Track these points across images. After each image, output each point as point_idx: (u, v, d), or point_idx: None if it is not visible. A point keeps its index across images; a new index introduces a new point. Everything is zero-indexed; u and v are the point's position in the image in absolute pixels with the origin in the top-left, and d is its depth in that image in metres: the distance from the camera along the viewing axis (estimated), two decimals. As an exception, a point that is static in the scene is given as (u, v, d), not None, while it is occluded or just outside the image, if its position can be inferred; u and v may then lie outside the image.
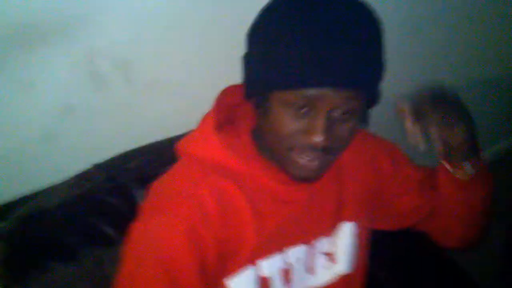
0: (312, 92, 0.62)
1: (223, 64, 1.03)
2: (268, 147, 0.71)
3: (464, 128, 0.77)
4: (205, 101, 0.77)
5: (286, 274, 0.77)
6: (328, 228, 0.81)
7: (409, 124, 0.73)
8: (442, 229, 0.91)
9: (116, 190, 0.89)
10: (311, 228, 0.78)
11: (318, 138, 0.64)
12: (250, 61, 0.69)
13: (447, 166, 0.82)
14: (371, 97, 0.70)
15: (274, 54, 0.63)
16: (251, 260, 0.72)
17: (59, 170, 0.93)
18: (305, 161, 0.68)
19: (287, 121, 0.65)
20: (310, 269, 0.80)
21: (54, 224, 0.83)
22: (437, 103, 0.75)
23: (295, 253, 0.77)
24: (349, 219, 0.82)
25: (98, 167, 0.92)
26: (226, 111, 0.76)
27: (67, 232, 0.83)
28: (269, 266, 0.74)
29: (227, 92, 0.77)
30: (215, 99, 0.75)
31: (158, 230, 0.68)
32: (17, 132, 0.97)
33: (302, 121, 0.64)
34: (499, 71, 1.96)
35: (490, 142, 2.14)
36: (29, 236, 0.81)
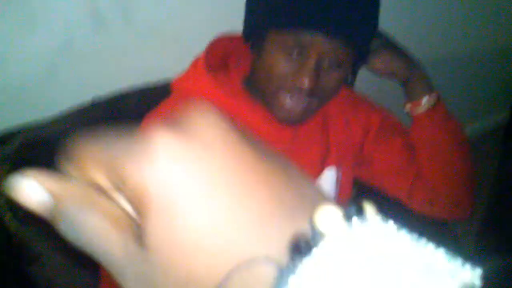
0: (305, 36, 0.67)
1: (223, 10, 1.06)
2: (259, 87, 0.75)
3: (398, 62, 0.85)
4: (202, 47, 0.80)
5: None
6: (311, 174, 0.85)
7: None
8: (428, 189, 0.92)
9: (116, 124, 0.93)
10: None
11: (305, 80, 0.69)
12: (251, 3, 0.74)
13: (408, 106, 0.89)
14: (360, 55, 0.75)
15: None
16: None
17: (59, 104, 0.96)
18: (290, 103, 0.73)
19: (279, 61, 0.70)
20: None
21: (55, 151, 0.87)
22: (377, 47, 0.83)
23: None
24: (332, 164, 0.87)
25: (97, 102, 0.96)
26: (218, 57, 0.80)
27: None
28: None
29: (221, 39, 0.81)
30: (208, 43, 0.80)
31: None
32: (18, 65, 1.00)
33: (293, 63, 0.69)
34: (492, 45, 1.95)
35: (482, 116, 2.15)
36: (32, 160, 0.84)
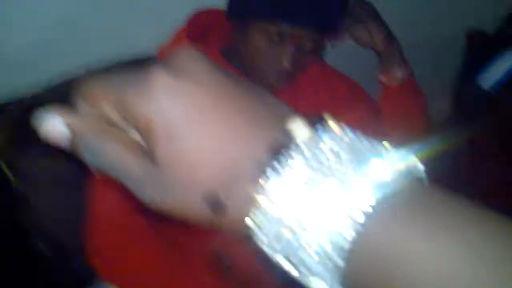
0: (287, 28, 0.77)
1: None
2: (242, 65, 0.84)
3: (380, 34, 0.91)
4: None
5: None
6: None
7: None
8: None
9: None
10: None
11: (286, 65, 0.79)
12: None
13: (382, 77, 0.96)
14: (332, 34, 0.86)
15: None
16: None
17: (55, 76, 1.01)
18: (272, 82, 0.83)
19: (262, 47, 0.79)
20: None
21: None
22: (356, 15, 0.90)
23: None
24: None
25: (92, 70, 1.03)
26: (199, 29, 0.89)
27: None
28: None
29: (201, 12, 0.90)
30: (188, 16, 0.88)
31: None
32: (15, 36, 1.05)
33: (275, 48, 0.79)
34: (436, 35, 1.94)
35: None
36: (31, 123, 0.92)
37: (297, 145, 0.23)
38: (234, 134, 0.24)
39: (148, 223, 0.79)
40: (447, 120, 1.19)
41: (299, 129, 0.23)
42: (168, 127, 0.23)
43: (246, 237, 0.24)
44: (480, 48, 1.11)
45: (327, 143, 0.23)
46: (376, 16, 0.93)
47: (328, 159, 0.22)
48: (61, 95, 0.95)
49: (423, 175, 0.24)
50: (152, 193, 0.24)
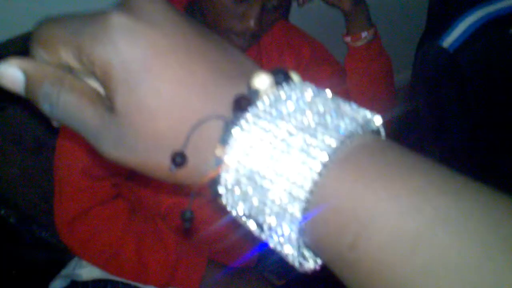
0: None
1: None
2: (207, 23, 0.82)
3: None
4: None
5: None
6: None
7: None
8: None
9: None
10: None
11: (252, 24, 0.77)
12: None
13: (348, 39, 0.97)
14: None
15: None
16: None
17: (14, 29, 0.98)
18: (238, 42, 0.81)
19: (227, 5, 0.77)
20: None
21: None
22: None
23: None
24: None
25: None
26: None
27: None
28: None
29: None
30: None
31: None
32: None
33: (241, 6, 0.77)
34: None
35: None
36: None
37: (260, 99, 0.23)
38: (197, 82, 0.23)
39: (112, 184, 0.79)
40: (410, 82, 1.21)
41: (262, 82, 0.23)
42: (126, 71, 0.22)
43: (208, 191, 0.24)
44: (441, 8, 1.12)
45: (289, 96, 0.23)
46: None
47: (289, 112, 0.22)
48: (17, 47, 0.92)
49: (381, 128, 0.24)
50: (110, 144, 0.23)
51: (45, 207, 0.94)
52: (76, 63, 0.24)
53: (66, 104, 0.24)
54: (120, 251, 0.78)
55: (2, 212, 0.95)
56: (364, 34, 0.96)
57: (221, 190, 0.23)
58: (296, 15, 1.14)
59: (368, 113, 0.23)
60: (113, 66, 0.23)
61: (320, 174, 0.21)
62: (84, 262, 0.83)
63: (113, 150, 0.24)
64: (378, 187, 0.20)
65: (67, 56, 0.24)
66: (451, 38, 0.98)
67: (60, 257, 0.94)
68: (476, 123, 1.05)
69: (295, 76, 0.25)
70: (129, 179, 0.81)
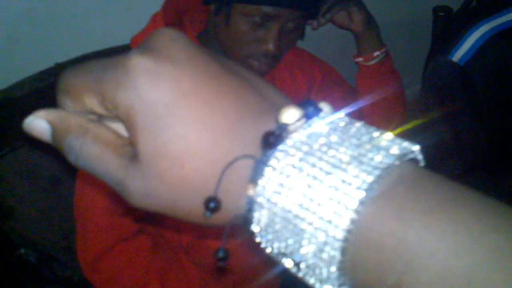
0: (270, 9, 0.75)
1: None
2: (223, 50, 0.83)
3: (359, 16, 0.92)
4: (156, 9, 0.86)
5: None
6: None
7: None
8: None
9: None
10: None
11: (271, 47, 0.77)
12: None
13: (360, 59, 0.97)
14: (312, 14, 0.85)
15: None
16: None
17: (20, 72, 0.98)
18: (258, 66, 0.82)
19: (245, 30, 0.77)
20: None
21: (22, 110, 0.90)
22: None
23: None
24: None
25: (60, 66, 1.01)
26: (174, 15, 0.87)
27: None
28: None
29: None
30: (164, 2, 0.86)
31: None
32: None
33: (259, 31, 0.77)
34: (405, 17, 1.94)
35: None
36: (3, 118, 0.88)
37: (289, 135, 0.22)
38: (223, 122, 0.22)
39: (134, 219, 0.79)
40: (419, 96, 1.22)
41: (290, 117, 0.22)
42: (149, 116, 0.22)
43: (241, 231, 0.23)
44: (447, 23, 1.12)
45: (320, 130, 0.22)
46: (359, 1, 0.93)
47: (321, 147, 0.22)
48: (30, 91, 0.94)
49: (419, 157, 0.23)
50: (136, 194, 0.23)
51: (64, 244, 0.94)
52: (101, 109, 0.24)
53: (90, 156, 0.24)
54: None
55: (22, 251, 0.95)
56: (376, 53, 0.97)
57: (255, 229, 0.23)
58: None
59: (404, 143, 0.22)
60: (136, 111, 0.22)
61: (357, 212, 0.20)
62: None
63: (139, 199, 0.23)
64: (421, 224, 0.20)
65: (92, 103, 0.24)
66: (460, 52, 0.98)
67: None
68: (490, 134, 1.04)
69: (325, 107, 0.24)
70: (150, 215, 0.81)
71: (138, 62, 0.22)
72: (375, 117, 1.01)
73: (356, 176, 0.21)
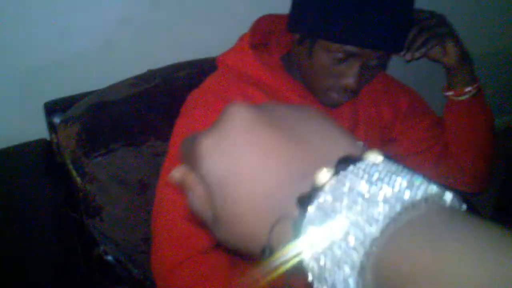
0: (353, 48, 0.74)
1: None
2: (303, 78, 0.83)
3: (455, 51, 0.88)
4: (245, 27, 0.88)
5: None
6: None
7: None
8: (454, 166, 0.98)
9: (170, 92, 0.99)
10: None
11: (352, 82, 0.77)
12: (303, 3, 0.78)
13: (450, 93, 0.93)
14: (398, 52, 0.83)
15: (329, 5, 0.73)
16: None
17: (116, 76, 1.04)
18: (337, 98, 0.82)
19: (327, 65, 0.77)
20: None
21: (118, 113, 0.93)
22: (426, 29, 0.86)
23: None
24: (359, 139, 0.93)
25: (153, 72, 1.04)
26: (261, 35, 0.87)
27: (129, 122, 0.93)
28: None
29: (265, 18, 0.88)
30: (253, 23, 0.87)
31: (195, 123, 0.80)
32: (80, 39, 1.08)
33: (340, 66, 0.77)
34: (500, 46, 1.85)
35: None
36: (98, 120, 0.92)
37: (320, 195, 0.25)
38: (270, 187, 0.27)
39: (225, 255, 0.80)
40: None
41: (322, 178, 0.25)
42: (213, 187, 0.28)
43: (295, 273, 0.26)
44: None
45: (348, 187, 0.24)
46: (451, 31, 0.89)
47: (348, 205, 0.24)
48: (124, 96, 0.97)
49: (452, 203, 0.24)
50: (220, 234, 0.30)
51: (144, 248, 0.96)
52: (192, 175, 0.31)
53: (194, 205, 0.31)
54: None
55: (101, 248, 0.98)
56: (468, 89, 0.92)
57: (310, 277, 0.25)
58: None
59: (438, 188, 0.23)
60: (207, 183, 0.29)
61: (375, 240, 0.22)
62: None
63: (222, 237, 0.30)
64: (437, 253, 0.21)
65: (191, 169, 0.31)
66: None
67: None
68: None
69: (372, 155, 0.25)
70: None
71: (204, 143, 0.28)
72: (462, 152, 0.96)
73: (382, 207, 0.23)
